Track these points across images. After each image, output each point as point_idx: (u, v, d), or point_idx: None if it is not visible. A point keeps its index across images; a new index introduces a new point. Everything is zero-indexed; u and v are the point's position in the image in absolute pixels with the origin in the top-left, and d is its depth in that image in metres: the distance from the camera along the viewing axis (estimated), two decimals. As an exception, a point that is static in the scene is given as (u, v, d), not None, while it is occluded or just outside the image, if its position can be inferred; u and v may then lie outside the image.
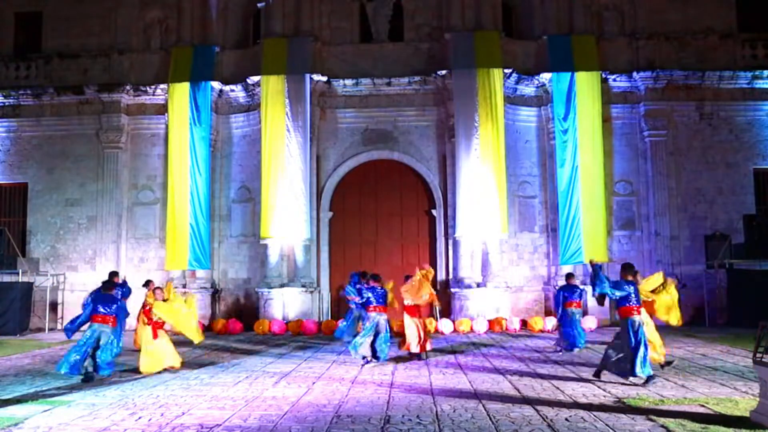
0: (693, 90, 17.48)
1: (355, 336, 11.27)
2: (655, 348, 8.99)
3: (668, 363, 9.22)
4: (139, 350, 11.93)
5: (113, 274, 11.89)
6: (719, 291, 16.21)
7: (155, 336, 9.65)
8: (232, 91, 17.94)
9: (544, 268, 17.26)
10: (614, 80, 17.50)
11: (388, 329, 10.45)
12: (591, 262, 8.71)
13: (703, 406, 6.81)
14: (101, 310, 9.30)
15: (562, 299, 12.01)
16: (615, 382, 8.33)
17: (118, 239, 17.88)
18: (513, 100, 17.46)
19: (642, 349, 8.09)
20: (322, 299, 17.19)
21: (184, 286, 17.23)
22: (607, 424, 6.06)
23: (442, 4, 17.66)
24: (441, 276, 17.10)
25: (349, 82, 17.46)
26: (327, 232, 17.73)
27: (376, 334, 10.17)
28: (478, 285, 16.27)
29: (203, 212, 17.24)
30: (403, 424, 6.16)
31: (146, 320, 10.23)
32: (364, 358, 10.12)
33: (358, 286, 11.33)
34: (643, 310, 8.64)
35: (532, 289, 17.21)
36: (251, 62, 17.54)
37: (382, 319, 10.29)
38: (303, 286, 16.69)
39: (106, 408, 7.06)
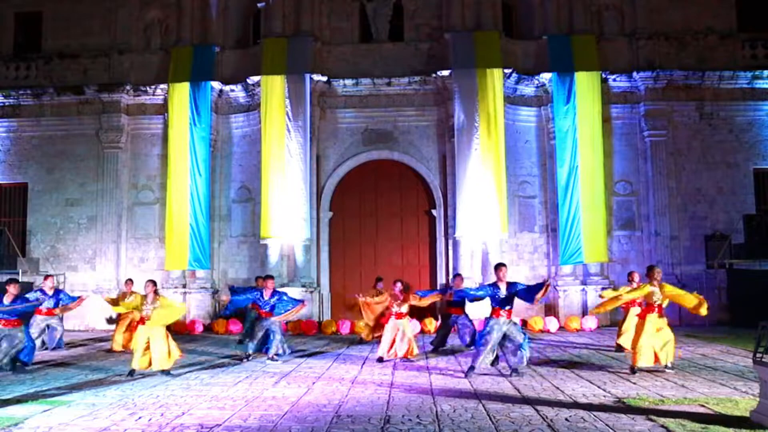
0: (693, 90, 17.47)
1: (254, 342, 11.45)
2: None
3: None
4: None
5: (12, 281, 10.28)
6: (719, 291, 16.20)
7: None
8: (232, 91, 17.94)
9: (544, 268, 17.25)
10: (614, 80, 17.49)
11: (273, 331, 11.05)
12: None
13: (703, 406, 6.81)
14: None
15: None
16: (615, 382, 8.34)
17: (118, 239, 17.88)
18: (513, 100, 17.46)
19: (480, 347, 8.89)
20: (322, 299, 17.18)
21: (184, 286, 17.29)
22: (607, 424, 6.06)
23: (442, 4, 17.66)
24: (441, 276, 17.11)
25: (349, 82, 17.45)
26: (327, 232, 17.72)
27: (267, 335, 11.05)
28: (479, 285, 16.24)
29: (203, 212, 17.23)
30: (403, 424, 6.16)
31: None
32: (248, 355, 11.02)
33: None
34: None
35: (532, 289, 17.17)
36: (251, 62, 17.54)
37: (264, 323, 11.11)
38: (303, 286, 16.69)
39: (106, 408, 7.06)
